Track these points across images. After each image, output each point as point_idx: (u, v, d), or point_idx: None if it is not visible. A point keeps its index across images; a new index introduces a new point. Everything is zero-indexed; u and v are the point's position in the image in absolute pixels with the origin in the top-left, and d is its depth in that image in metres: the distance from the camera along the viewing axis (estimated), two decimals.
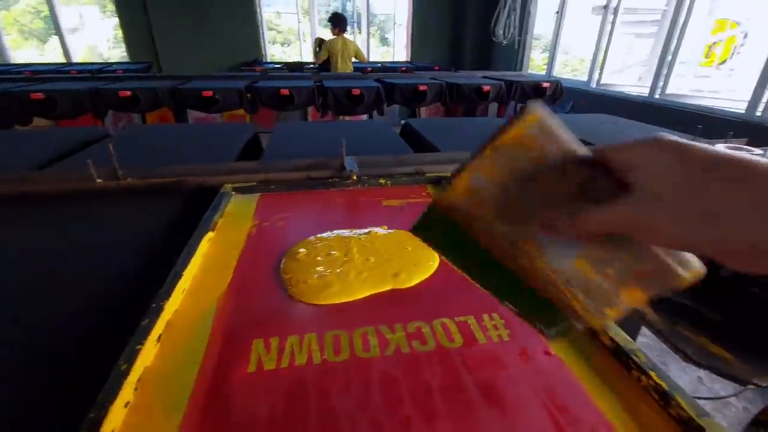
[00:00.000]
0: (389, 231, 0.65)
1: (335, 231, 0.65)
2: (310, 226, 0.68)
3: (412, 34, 5.61)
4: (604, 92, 3.65)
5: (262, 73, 3.58)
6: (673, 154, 0.23)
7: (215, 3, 4.76)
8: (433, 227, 0.31)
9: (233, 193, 0.80)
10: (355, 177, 0.85)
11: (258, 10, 5.03)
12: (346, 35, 3.75)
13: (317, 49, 3.91)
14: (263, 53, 5.26)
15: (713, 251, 0.22)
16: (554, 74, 4.31)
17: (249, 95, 2.53)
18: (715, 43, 3.47)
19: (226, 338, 0.43)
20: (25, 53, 6.10)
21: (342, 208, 0.77)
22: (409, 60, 5.69)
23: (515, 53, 4.63)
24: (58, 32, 4.78)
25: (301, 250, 0.59)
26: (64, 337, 0.46)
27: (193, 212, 0.75)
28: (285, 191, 0.83)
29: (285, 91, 2.48)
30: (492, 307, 0.49)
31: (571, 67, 4.87)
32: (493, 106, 4.29)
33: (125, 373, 0.36)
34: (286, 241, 0.63)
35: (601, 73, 3.71)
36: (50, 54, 5.99)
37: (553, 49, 4.19)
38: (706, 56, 3.51)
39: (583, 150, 0.26)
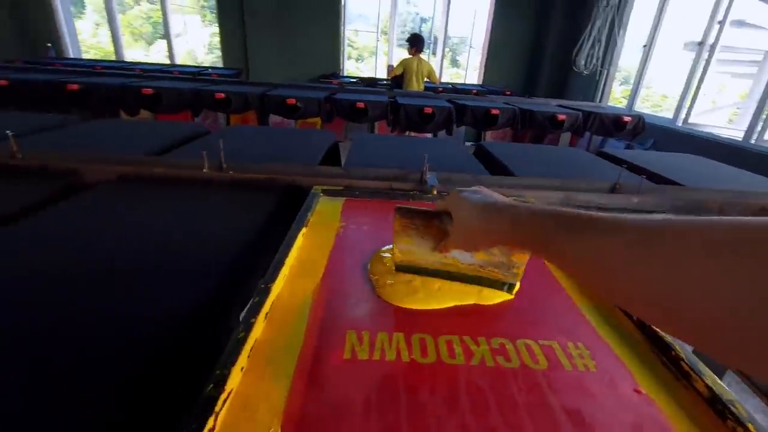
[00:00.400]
0: None
1: None
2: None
3: (486, 57, 5.62)
4: (691, 132, 3.40)
5: (339, 86, 3.77)
6: (457, 200, 0.47)
7: (305, 19, 5.13)
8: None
9: (321, 194, 0.86)
10: (435, 192, 0.88)
11: (342, 27, 5.33)
12: (422, 56, 3.86)
13: (390, 69, 4.05)
14: (341, 67, 5.54)
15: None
16: (635, 108, 4.10)
17: (327, 106, 2.68)
18: None
19: (322, 325, 0.47)
20: (133, 53, 6.90)
21: None
22: (480, 83, 5.69)
23: (594, 84, 4.47)
24: (167, 36, 5.39)
25: (387, 254, 0.62)
26: (178, 305, 0.53)
27: (284, 207, 0.82)
28: (368, 198, 0.88)
29: (361, 104, 2.60)
30: (576, 336, 0.48)
31: (652, 102, 4.60)
32: (565, 137, 4.16)
33: (242, 341, 0.41)
34: (371, 244, 0.66)
35: (689, 112, 3.47)
36: (153, 55, 6.72)
37: (637, 83, 3.99)
38: None
39: (433, 210, 0.52)
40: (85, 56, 5.49)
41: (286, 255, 0.58)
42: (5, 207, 0.75)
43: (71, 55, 5.20)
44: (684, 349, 0.44)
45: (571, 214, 0.34)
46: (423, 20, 7.10)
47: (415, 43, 3.74)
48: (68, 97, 2.60)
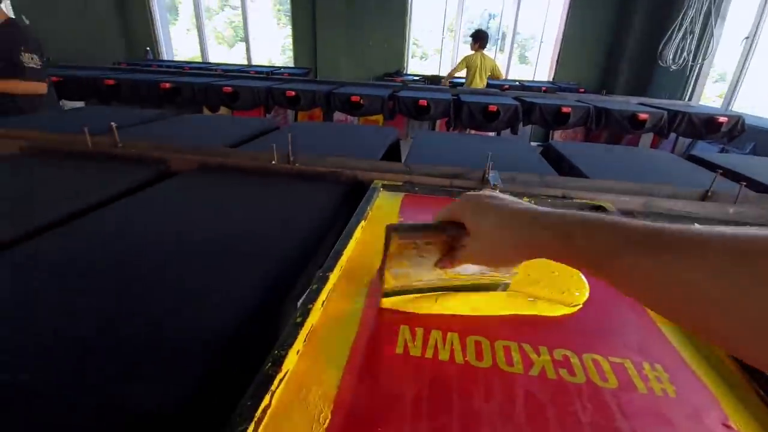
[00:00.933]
0: None
1: None
2: None
3: (559, 52, 5.29)
4: None
5: (403, 84, 3.78)
6: (475, 208, 0.42)
7: (371, 19, 5.21)
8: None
9: (381, 189, 0.87)
10: (498, 191, 0.85)
11: (407, 26, 5.34)
12: (486, 52, 3.73)
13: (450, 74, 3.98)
14: (405, 65, 5.56)
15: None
16: (734, 108, 3.61)
17: (390, 103, 2.70)
18: None
19: (375, 317, 0.48)
20: (217, 55, 7.41)
21: None
22: (551, 80, 5.38)
23: (684, 80, 4.01)
24: (246, 39, 5.78)
25: None
26: (244, 284, 0.56)
27: (345, 200, 0.84)
28: (427, 194, 0.87)
29: (423, 102, 2.59)
30: (653, 356, 0.44)
31: (752, 102, 4.02)
32: (646, 139, 3.80)
33: (300, 325, 0.43)
34: None
35: None
36: (234, 56, 7.20)
37: (736, 80, 3.51)
38: None
39: (435, 221, 0.48)
40: (177, 58, 6.08)
41: (344, 246, 0.59)
42: (105, 191, 0.85)
43: (165, 57, 5.79)
44: None
45: (638, 227, 0.29)
46: (491, 16, 6.86)
47: (479, 38, 3.63)
48: (162, 94, 2.90)
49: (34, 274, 0.56)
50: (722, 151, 3.45)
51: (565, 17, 5.11)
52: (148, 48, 5.54)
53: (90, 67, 3.54)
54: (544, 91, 3.90)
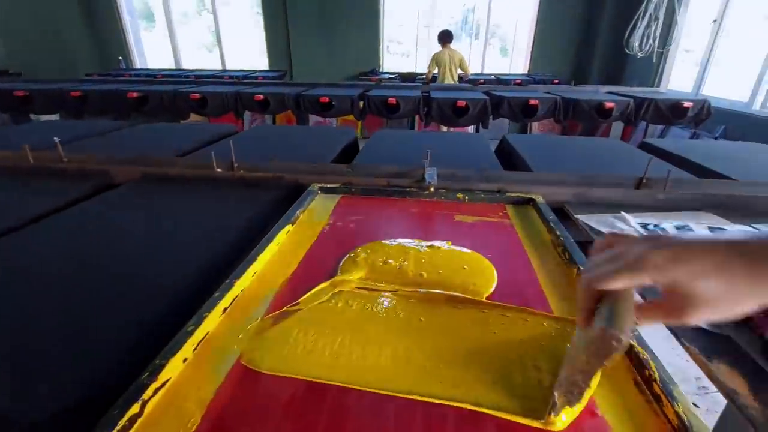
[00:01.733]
0: (451, 247, 0.64)
1: (398, 240, 0.67)
2: (378, 232, 0.71)
3: (532, 45, 5.34)
4: None
5: (375, 83, 3.78)
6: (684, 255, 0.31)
7: (345, 18, 5.20)
8: None
9: (318, 192, 0.87)
10: (432, 189, 0.86)
11: (380, 24, 5.34)
12: (456, 46, 3.81)
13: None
14: (381, 64, 5.55)
15: None
16: (704, 93, 3.68)
17: (360, 103, 2.70)
18: None
19: (275, 321, 0.48)
20: (196, 60, 7.29)
21: (413, 218, 0.78)
22: (526, 72, 5.43)
23: (653, 68, 4.07)
24: (219, 43, 5.73)
25: (362, 254, 0.62)
26: (158, 293, 0.56)
27: (285, 205, 0.84)
28: (364, 195, 0.87)
29: (392, 101, 2.59)
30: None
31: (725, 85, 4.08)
32: (618, 127, 3.85)
33: (189, 334, 0.43)
34: (351, 243, 0.66)
35: None
36: (212, 62, 7.09)
37: (704, 64, 3.57)
38: None
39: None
40: (154, 66, 6.00)
41: (259, 252, 0.60)
42: (41, 206, 0.84)
43: (139, 66, 5.72)
44: (660, 370, 0.39)
45: None
46: (469, 10, 6.88)
47: (443, 38, 3.76)
48: (129, 103, 2.86)
49: None
50: (693, 136, 3.52)
51: (536, 9, 5.15)
52: (120, 57, 5.47)
53: (58, 80, 3.48)
54: (517, 84, 3.93)
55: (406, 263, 0.60)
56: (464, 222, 0.76)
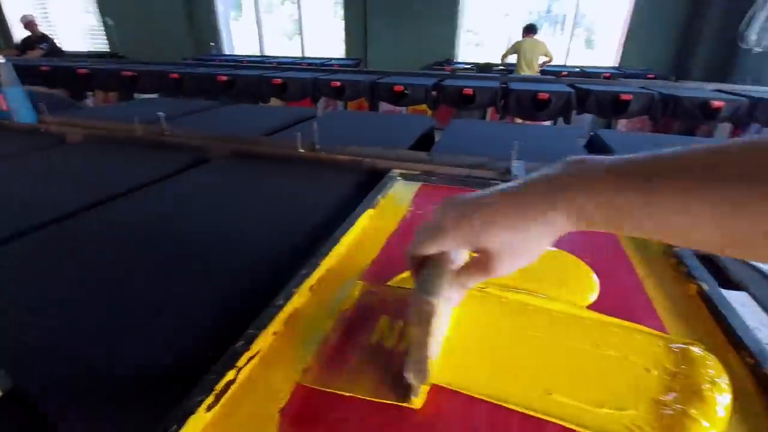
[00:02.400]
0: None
1: None
2: None
3: (627, 35, 4.85)
4: None
5: (451, 72, 3.69)
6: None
7: (422, 7, 5.12)
8: None
9: (399, 178, 0.86)
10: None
11: (459, 12, 5.18)
12: (538, 37, 3.65)
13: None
14: (456, 53, 5.41)
15: None
16: None
17: (434, 92, 2.64)
18: None
19: (360, 305, 0.47)
20: (278, 47, 7.65)
21: None
22: (617, 65, 4.95)
23: None
24: (300, 32, 5.96)
25: None
26: (246, 266, 0.58)
27: (364, 187, 0.84)
28: (445, 185, 0.84)
29: (468, 91, 2.50)
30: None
31: None
32: (723, 129, 3.37)
33: (279, 308, 0.44)
34: None
35: None
36: (293, 49, 7.39)
37: None
38: None
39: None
40: (241, 52, 6.41)
41: (343, 233, 0.60)
42: (148, 174, 0.92)
43: (227, 52, 6.14)
44: None
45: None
46: None
47: (528, 30, 3.67)
48: (218, 86, 3.08)
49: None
50: None
51: None
52: (212, 43, 5.91)
53: (159, 62, 3.85)
54: (607, 77, 3.60)
55: None
56: None
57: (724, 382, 0.36)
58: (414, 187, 0.83)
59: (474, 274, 0.33)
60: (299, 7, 5.87)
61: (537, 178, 0.30)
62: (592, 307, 0.49)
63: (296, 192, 0.86)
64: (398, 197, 0.79)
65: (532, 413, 0.34)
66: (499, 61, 4.13)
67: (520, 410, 0.34)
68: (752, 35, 3.48)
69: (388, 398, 0.35)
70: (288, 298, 0.46)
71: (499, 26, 5.72)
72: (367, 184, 0.88)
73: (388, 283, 0.52)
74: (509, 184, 0.31)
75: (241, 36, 6.74)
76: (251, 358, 0.39)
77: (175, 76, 3.18)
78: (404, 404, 0.34)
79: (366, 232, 0.65)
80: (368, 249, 0.60)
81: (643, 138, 1.43)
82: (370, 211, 0.70)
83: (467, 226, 0.30)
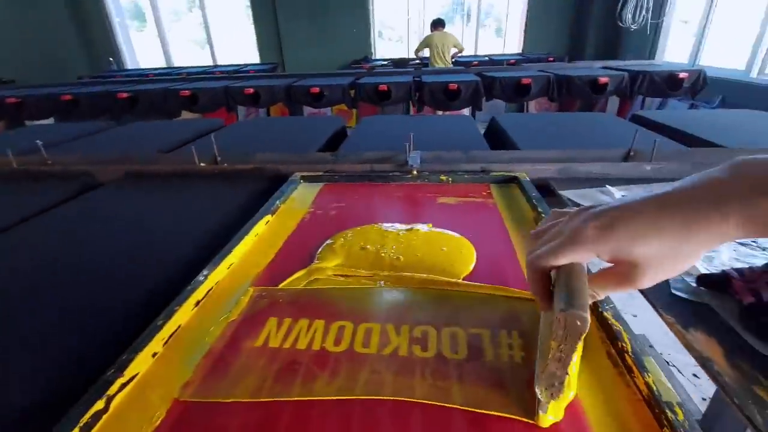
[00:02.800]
0: (431, 229, 0.64)
1: (378, 224, 0.66)
2: (359, 218, 0.70)
3: (525, 23, 5.24)
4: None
5: (367, 70, 3.74)
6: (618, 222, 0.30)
7: (334, 7, 5.12)
8: None
9: (301, 181, 0.86)
10: (415, 172, 0.85)
11: (371, 11, 5.25)
12: (450, 29, 3.87)
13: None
14: (372, 51, 5.48)
15: None
16: (702, 64, 3.60)
17: (351, 91, 2.67)
18: None
19: (247, 315, 0.47)
20: (188, 57, 7.24)
21: (396, 203, 0.77)
22: (520, 52, 5.34)
23: (648, 40, 3.99)
24: (209, 39, 5.67)
25: (340, 240, 0.61)
26: (134, 289, 0.56)
27: (267, 196, 0.83)
28: (348, 183, 0.86)
29: (383, 87, 2.56)
30: (515, 326, 0.44)
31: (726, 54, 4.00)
32: (614, 102, 3.79)
33: (159, 328, 0.43)
34: (331, 230, 0.65)
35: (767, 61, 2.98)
36: (206, 58, 7.02)
37: (700, 34, 3.49)
38: None
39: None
40: (146, 66, 5.96)
41: (235, 244, 0.59)
42: (29, 207, 0.83)
43: (129, 66, 5.68)
44: (633, 342, 0.38)
45: None
46: None
47: (434, 25, 3.89)
48: (120, 104, 2.84)
49: None
50: (691, 107, 3.46)
51: None
52: (111, 59, 5.43)
53: (49, 84, 3.46)
54: (511, 64, 3.87)
55: (383, 248, 0.59)
56: (447, 204, 0.75)
57: None
58: (316, 188, 0.84)
59: (612, 285, 0.31)
60: (204, 13, 5.58)
61: (699, 182, 0.28)
62: (472, 276, 0.53)
63: (195, 208, 0.83)
64: (299, 200, 0.79)
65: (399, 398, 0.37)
66: (414, 56, 4.28)
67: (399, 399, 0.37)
68: (628, 14, 3.94)
69: (513, 413, 0.33)
70: (169, 316, 0.45)
71: (412, 21, 5.89)
72: (270, 191, 0.87)
73: (280, 285, 0.52)
74: (661, 190, 0.29)
75: (146, 48, 6.27)
76: (125, 384, 0.37)
77: (68, 97, 2.88)
78: (530, 421, 0.33)
79: (262, 238, 0.65)
80: (263, 254, 0.60)
81: (530, 117, 1.56)
82: (267, 217, 0.69)
83: (612, 237, 0.28)
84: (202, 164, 1.00)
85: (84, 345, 0.46)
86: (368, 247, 0.59)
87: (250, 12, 5.40)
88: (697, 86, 2.54)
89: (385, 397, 0.36)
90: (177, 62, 5.95)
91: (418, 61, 4.44)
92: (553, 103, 3.10)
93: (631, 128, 1.22)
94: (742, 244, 0.58)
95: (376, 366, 0.39)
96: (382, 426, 0.33)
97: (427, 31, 4.03)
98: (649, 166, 0.84)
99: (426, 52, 4.03)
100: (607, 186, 0.78)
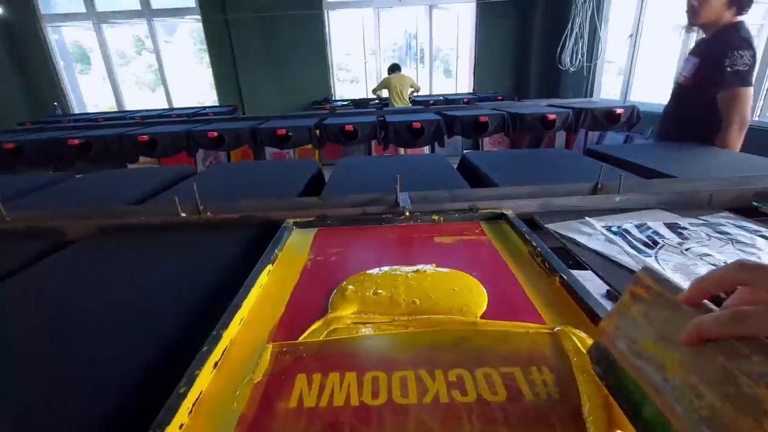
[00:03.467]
0: (437, 269, 0.65)
1: (384, 268, 0.67)
2: (361, 262, 0.70)
3: (474, 65, 5.66)
4: None
5: (330, 111, 3.83)
6: None
7: (292, 50, 5.27)
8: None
9: (294, 227, 0.86)
10: (407, 213, 0.87)
11: (329, 53, 5.46)
12: (408, 70, 4.13)
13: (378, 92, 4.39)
14: (332, 92, 5.64)
15: None
16: (632, 99, 4.04)
17: (317, 132, 2.71)
18: None
19: (272, 374, 0.46)
20: (138, 101, 7.09)
21: (394, 244, 0.78)
22: (471, 91, 5.72)
23: (584, 80, 4.45)
24: (164, 82, 5.59)
25: (350, 287, 0.61)
26: (135, 356, 0.52)
27: (259, 243, 0.82)
28: (341, 226, 0.87)
29: (350, 127, 2.62)
30: (541, 361, 0.46)
31: (652, 90, 4.54)
32: (561, 136, 4.13)
33: (183, 396, 0.40)
34: (336, 277, 0.65)
35: None
36: (157, 101, 6.91)
37: (627, 74, 3.95)
38: None
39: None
40: (93, 110, 5.72)
41: (243, 298, 0.57)
42: None
43: (77, 111, 5.42)
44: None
45: None
46: (412, 36, 7.21)
47: (393, 69, 4.20)
48: (70, 151, 2.69)
49: None
50: (627, 138, 3.83)
51: (473, 32, 5.50)
52: (55, 103, 5.17)
53: None
54: (465, 103, 4.13)
55: (396, 291, 0.60)
56: (444, 243, 0.77)
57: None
58: (311, 233, 0.84)
59: None
60: (158, 56, 5.51)
61: None
62: (486, 314, 0.55)
63: (187, 261, 0.79)
64: (296, 246, 0.79)
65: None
66: (372, 95, 4.48)
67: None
68: (566, 58, 4.40)
69: None
70: (191, 382, 0.42)
71: (367, 63, 6.17)
72: (263, 239, 0.86)
73: (300, 339, 0.51)
74: None
75: (92, 93, 6.05)
76: None
77: (10, 146, 2.69)
78: None
79: (268, 290, 0.64)
80: (273, 308, 0.59)
81: (499, 154, 1.66)
82: (269, 268, 0.68)
83: None
84: (183, 214, 0.96)
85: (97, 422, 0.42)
86: (381, 291, 0.60)
87: (203, 54, 5.42)
88: (632, 120, 2.83)
89: None
90: (127, 107, 5.77)
91: (377, 101, 4.63)
92: (507, 138, 3.33)
93: (592, 163, 1.34)
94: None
95: (420, 416, 0.39)
96: None
97: (383, 71, 4.26)
98: (617, 198, 0.92)
99: (385, 92, 4.25)
100: (586, 217, 0.84)
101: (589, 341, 0.45)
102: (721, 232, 0.73)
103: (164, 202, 1.01)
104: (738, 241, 0.69)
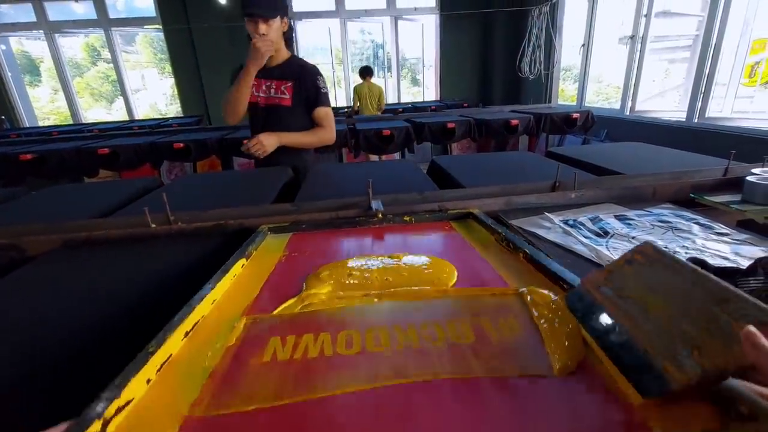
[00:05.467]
0: (410, 255, 0.68)
1: (359, 258, 0.69)
2: (337, 255, 0.72)
3: (440, 74, 5.82)
4: (637, 119, 3.58)
5: None
6: None
7: None
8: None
9: (268, 233, 0.87)
10: (380, 215, 0.90)
11: None
12: (375, 80, 4.17)
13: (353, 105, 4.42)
14: None
15: None
16: (586, 104, 4.29)
17: None
18: (757, 63, 3.35)
19: (246, 339, 0.47)
20: (95, 113, 6.85)
21: (369, 242, 0.81)
22: (438, 99, 5.87)
23: (543, 87, 4.69)
24: (123, 93, 5.39)
25: (326, 272, 0.63)
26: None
27: (234, 251, 0.82)
28: (315, 230, 0.89)
29: None
30: (509, 314, 0.49)
31: (605, 95, 4.84)
32: (524, 139, 4.31)
33: (151, 354, 0.41)
34: (312, 266, 0.67)
35: (634, 101, 3.66)
36: (116, 112, 6.70)
37: (582, 81, 4.19)
38: (749, 76, 3.37)
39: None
40: (45, 123, 5.43)
41: (217, 281, 0.59)
42: None
43: (27, 125, 5.13)
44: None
45: None
46: (379, 46, 7.34)
47: (365, 73, 4.19)
48: (23, 167, 2.56)
49: None
50: (584, 140, 4.06)
51: (438, 42, 5.67)
52: (2, 117, 4.88)
53: None
54: (433, 110, 4.24)
55: (370, 274, 0.62)
56: (416, 238, 0.81)
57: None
58: (284, 238, 0.85)
59: None
60: (117, 65, 5.32)
61: None
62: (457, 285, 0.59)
63: (161, 270, 0.78)
64: (271, 246, 0.80)
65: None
66: (342, 104, 4.51)
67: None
68: (525, 66, 4.62)
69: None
70: (160, 344, 0.43)
71: (333, 72, 6.21)
72: (237, 247, 0.86)
73: (274, 313, 0.53)
74: None
75: (43, 105, 5.75)
76: (121, 408, 0.36)
77: None
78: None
79: (241, 279, 0.65)
80: (247, 291, 0.60)
81: (466, 158, 1.73)
82: (242, 261, 0.69)
83: None
84: (154, 225, 0.95)
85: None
86: (355, 273, 0.62)
87: (166, 65, 5.28)
88: (587, 124, 3.01)
89: (411, 380, 0.38)
90: (84, 119, 5.52)
91: (347, 109, 4.68)
92: (474, 142, 3.44)
93: (551, 163, 1.42)
94: None
95: (394, 358, 0.42)
96: (416, 405, 0.36)
97: (351, 80, 4.31)
98: (573, 194, 0.99)
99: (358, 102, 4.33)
100: (545, 213, 0.91)
101: (553, 297, 0.50)
102: (662, 221, 0.81)
103: (132, 214, 0.99)
104: (677, 228, 0.77)
